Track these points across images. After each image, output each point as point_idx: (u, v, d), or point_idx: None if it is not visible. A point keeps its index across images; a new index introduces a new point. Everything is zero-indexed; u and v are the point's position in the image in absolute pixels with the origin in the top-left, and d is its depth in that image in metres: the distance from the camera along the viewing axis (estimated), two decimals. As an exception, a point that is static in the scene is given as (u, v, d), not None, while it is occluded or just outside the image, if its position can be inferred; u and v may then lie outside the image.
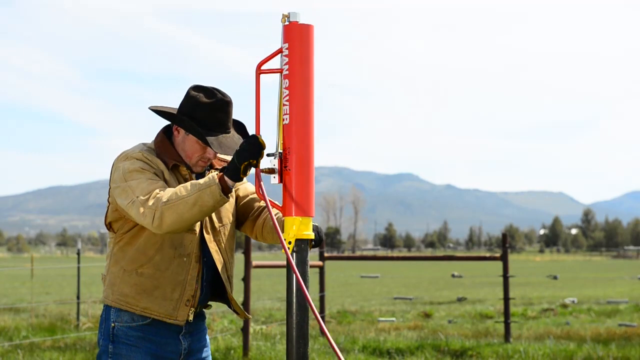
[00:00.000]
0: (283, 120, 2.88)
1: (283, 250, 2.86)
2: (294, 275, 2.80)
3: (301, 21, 2.89)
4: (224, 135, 3.33)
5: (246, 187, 3.64)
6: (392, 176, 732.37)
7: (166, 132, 3.48)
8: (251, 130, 3.35)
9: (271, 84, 2.96)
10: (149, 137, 3.49)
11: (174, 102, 3.50)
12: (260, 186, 2.90)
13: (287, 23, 2.88)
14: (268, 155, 2.90)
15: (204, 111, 3.29)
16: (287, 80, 2.87)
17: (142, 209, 3.13)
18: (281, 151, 2.89)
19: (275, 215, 3.47)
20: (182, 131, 3.39)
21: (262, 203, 3.57)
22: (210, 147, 3.25)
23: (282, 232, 2.90)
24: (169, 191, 3.14)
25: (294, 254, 2.85)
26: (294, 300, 2.82)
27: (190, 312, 3.39)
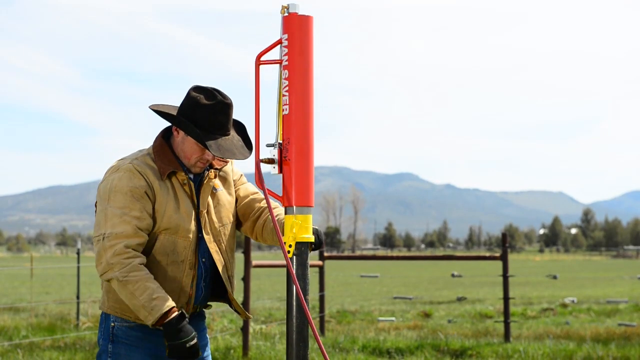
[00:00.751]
0: (282, 110, 2.88)
1: (289, 255, 2.85)
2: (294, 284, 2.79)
3: (300, 12, 2.88)
4: (223, 137, 3.31)
5: (247, 187, 3.63)
6: (392, 176, 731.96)
7: (166, 134, 3.47)
8: (251, 124, 3.33)
9: (271, 74, 2.96)
10: (149, 137, 3.51)
11: (174, 102, 3.49)
12: (261, 181, 2.90)
13: (286, 14, 2.88)
14: (268, 145, 2.90)
15: (203, 113, 3.28)
16: (286, 71, 2.87)
17: (101, 255, 3.21)
18: (281, 141, 2.89)
19: (277, 216, 3.46)
20: (181, 132, 3.38)
21: (263, 204, 3.57)
22: (208, 150, 3.24)
23: (282, 234, 2.89)
24: (132, 267, 3.18)
25: (294, 257, 2.85)
26: (294, 304, 2.82)
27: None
